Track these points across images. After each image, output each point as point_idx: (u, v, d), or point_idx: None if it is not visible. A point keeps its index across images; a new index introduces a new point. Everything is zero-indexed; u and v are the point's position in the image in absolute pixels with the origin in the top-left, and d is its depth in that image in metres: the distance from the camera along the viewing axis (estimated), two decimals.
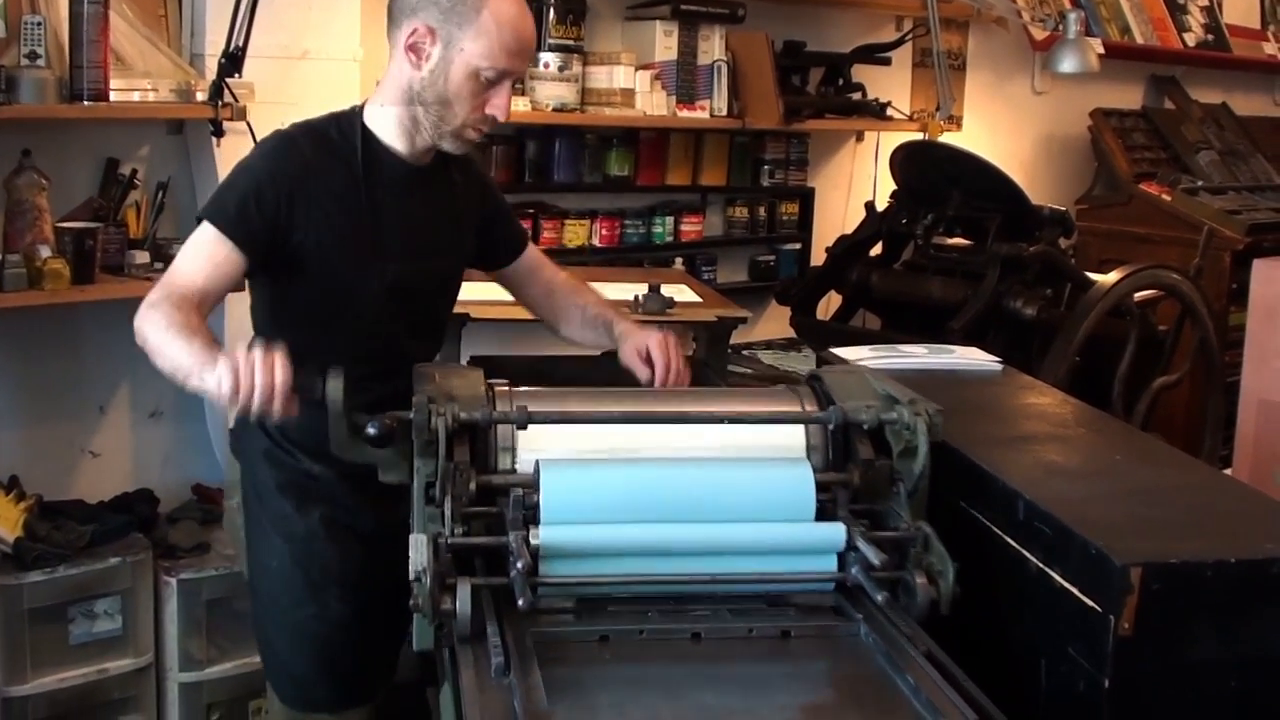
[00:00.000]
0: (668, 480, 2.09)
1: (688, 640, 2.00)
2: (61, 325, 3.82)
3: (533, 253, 2.98)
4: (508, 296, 3.63)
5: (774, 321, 5.45)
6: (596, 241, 4.94)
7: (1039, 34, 6.33)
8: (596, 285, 3.94)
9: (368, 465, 2.22)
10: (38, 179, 3.56)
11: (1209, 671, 1.84)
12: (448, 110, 2.49)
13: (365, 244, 2.53)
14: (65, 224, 3.62)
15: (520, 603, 1.84)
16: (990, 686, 1.81)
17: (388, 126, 2.56)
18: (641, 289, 3.68)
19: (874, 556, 1.96)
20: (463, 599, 1.88)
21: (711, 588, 2.06)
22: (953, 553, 2.01)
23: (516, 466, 2.15)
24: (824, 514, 2.09)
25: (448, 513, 1.98)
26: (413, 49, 2.47)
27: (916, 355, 2.94)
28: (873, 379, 2.30)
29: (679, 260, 5.19)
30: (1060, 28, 6.07)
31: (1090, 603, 1.83)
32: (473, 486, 2.04)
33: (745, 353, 5.03)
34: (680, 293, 3.87)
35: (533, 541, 1.94)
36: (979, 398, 2.69)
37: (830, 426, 2.20)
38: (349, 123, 2.58)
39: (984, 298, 4.34)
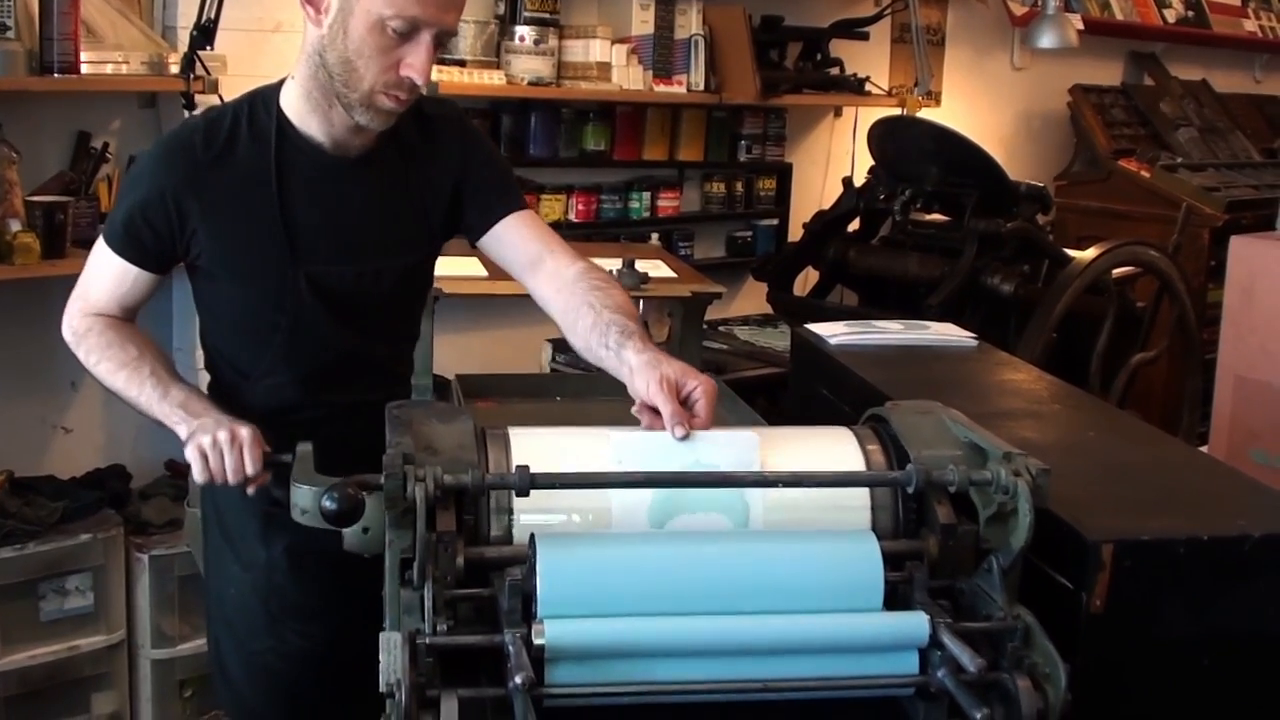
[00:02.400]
0: (699, 560, 1.66)
1: None
2: (32, 300, 3.77)
3: (522, 227, 2.38)
4: (482, 271, 3.62)
5: (751, 297, 5.44)
6: (573, 217, 4.91)
7: (1018, 9, 6.34)
8: None
9: None
10: (8, 152, 3.53)
11: (1181, 649, 1.82)
12: (351, 72, 2.11)
13: (274, 248, 2.24)
14: (36, 198, 3.60)
15: None
16: None
17: (300, 104, 2.23)
18: (617, 264, 3.65)
19: (968, 661, 1.57)
20: None
21: (762, 696, 1.63)
22: None
23: (514, 531, 1.71)
24: (896, 596, 1.69)
25: (428, 602, 1.59)
26: (310, 1, 2.13)
27: (892, 331, 2.91)
28: (949, 420, 1.89)
29: (655, 236, 5.17)
30: (1039, 3, 6.07)
31: (1062, 580, 1.80)
32: (460, 561, 1.63)
33: (721, 328, 5.02)
34: (656, 268, 3.86)
35: (535, 641, 1.53)
36: (954, 374, 2.66)
37: (909, 489, 1.75)
38: (265, 106, 2.26)
39: (961, 274, 4.34)
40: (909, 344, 2.87)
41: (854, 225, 4.95)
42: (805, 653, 1.62)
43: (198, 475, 2.10)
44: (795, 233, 5.33)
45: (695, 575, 1.64)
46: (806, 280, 5.09)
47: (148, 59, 3.72)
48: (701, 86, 5.04)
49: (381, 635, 1.57)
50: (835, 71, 5.56)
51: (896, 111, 5.55)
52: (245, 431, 2.08)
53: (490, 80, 4.45)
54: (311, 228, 2.26)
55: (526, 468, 1.65)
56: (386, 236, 2.34)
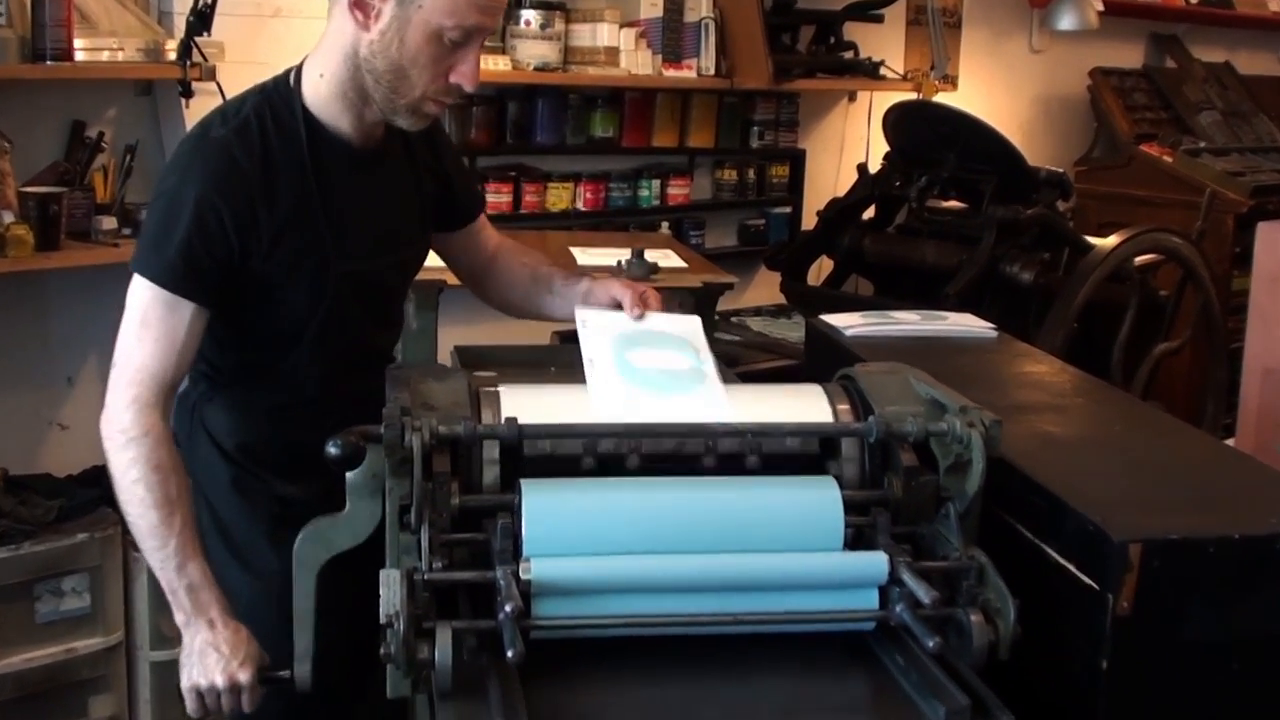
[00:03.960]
0: (673, 503, 1.82)
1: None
2: (26, 293, 3.76)
3: (483, 217, 2.63)
4: None
5: (764, 287, 5.39)
6: (580, 205, 4.87)
7: None
8: (580, 250, 3.90)
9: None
10: (0, 142, 3.49)
11: (1210, 652, 1.79)
12: (403, 80, 2.12)
13: (319, 249, 2.21)
14: (29, 189, 3.56)
15: (510, 654, 1.58)
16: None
17: (330, 103, 2.20)
18: (626, 254, 3.60)
19: (923, 594, 1.71)
20: (442, 648, 1.62)
21: (733, 628, 1.80)
22: None
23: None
24: (861, 539, 1.85)
25: (425, 543, 1.73)
26: (359, 6, 2.08)
27: (909, 322, 2.91)
28: (913, 379, 2.03)
29: (665, 224, 5.12)
30: None
31: (1087, 580, 1.78)
32: (455, 502, 1.78)
33: (734, 319, 4.98)
34: (666, 258, 3.81)
35: (523, 577, 1.69)
36: (973, 365, 2.62)
37: (870, 440, 1.92)
38: (285, 104, 2.21)
39: (979, 262, 4.30)
40: (926, 335, 2.85)
41: (869, 213, 4.91)
42: (773, 589, 1.79)
43: (190, 711, 2.14)
44: (809, 221, 5.30)
45: (669, 517, 1.80)
46: (821, 269, 5.05)
47: (143, 46, 3.68)
48: (712, 71, 4.99)
49: (381, 572, 1.73)
50: (849, 55, 5.50)
51: (912, 96, 5.52)
52: (244, 677, 2.09)
53: (496, 66, 4.39)
54: (351, 224, 2.25)
55: (515, 419, 1.83)
56: (405, 226, 2.39)
